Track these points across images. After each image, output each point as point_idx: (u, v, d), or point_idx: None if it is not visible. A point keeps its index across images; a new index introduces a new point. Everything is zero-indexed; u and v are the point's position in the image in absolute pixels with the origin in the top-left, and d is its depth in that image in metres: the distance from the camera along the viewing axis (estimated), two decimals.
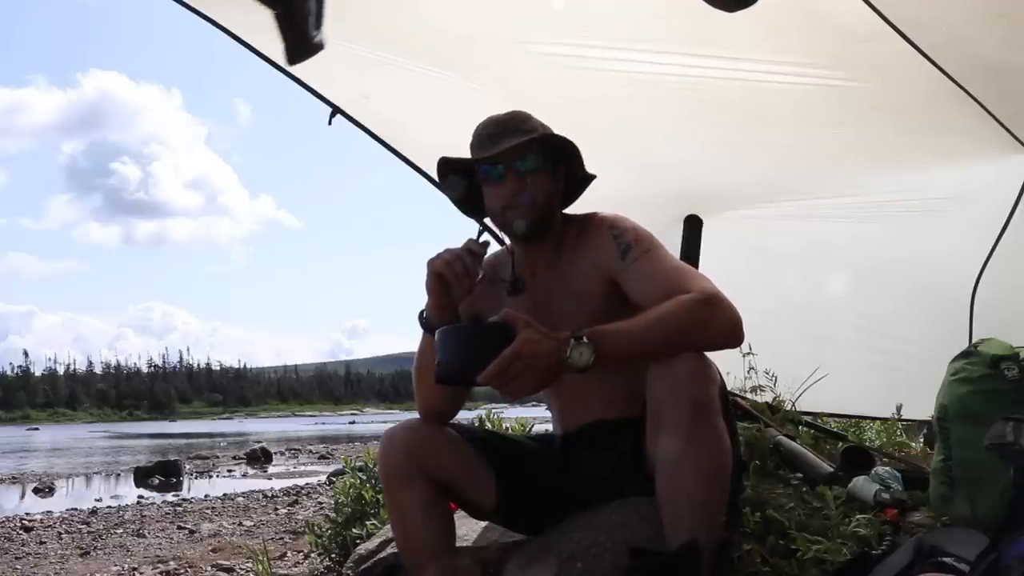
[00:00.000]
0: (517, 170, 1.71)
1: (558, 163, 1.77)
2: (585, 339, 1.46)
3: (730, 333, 1.57)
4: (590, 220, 1.81)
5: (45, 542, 5.56)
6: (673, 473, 1.51)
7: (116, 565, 4.47)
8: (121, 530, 6.06)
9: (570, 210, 1.87)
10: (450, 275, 1.65)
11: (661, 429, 1.53)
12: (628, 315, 1.55)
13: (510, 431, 2.92)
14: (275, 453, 16.23)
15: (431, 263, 1.67)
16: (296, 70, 2.85)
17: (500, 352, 1.43)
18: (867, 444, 2.85)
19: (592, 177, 1.82)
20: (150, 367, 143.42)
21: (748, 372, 2.98)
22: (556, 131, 1.78)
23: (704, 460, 1.50)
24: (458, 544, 1.86)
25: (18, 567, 4.62)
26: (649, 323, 1.51)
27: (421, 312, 1.74)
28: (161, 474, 11.65)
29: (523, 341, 1.44)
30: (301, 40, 1.81)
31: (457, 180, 1.80)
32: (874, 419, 3.41)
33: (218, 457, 15.92)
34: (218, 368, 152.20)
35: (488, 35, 2.56)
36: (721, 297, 1.57)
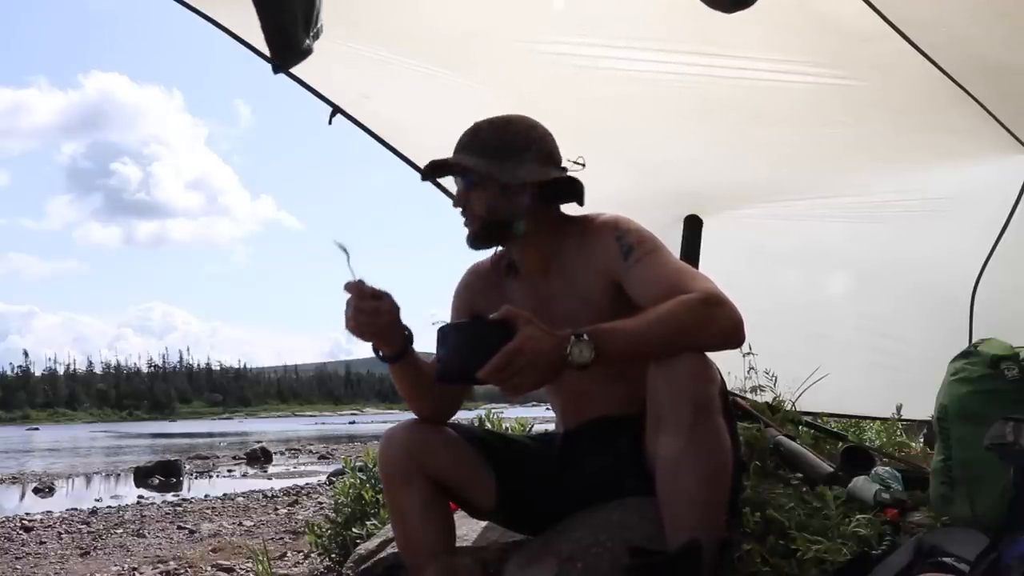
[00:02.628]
0: (462, 185, 1.78)
1: (507, 173, 1.74)
2: (585, 337, 1.46)
3: (730, 334, 1.57)
4: (593, 221, 1.81)
5: (45, 542, 5.56)
6: (673, 473, 1.51)
7: (116, 565, 4.46)
8: (121, 530, 6.05)
9: (574, 210, 1.87)
10: (367, 329, 1.66)
11: (661, 429, 1.53)
12: (632, 316, 1.55)
13: (510, 431, 2.92)
14: (275, 453, 16.23)
15: (349, 330, 1.66)
16: (296, 70, 2.84)
17: (501, 349, 1.44)
18: (867, 444, 2.84)
19: (574, 180, 1.79)
20: (150, 367, 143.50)
21: (748, 372, 2.98)
22: (555, 130, 1.78)
23: (704, 460, 1.50)
24: (458, 544, 1.86)
25: (18, 567, 4.61)
26: (650, 322, 1.51)
27: (375, 348, 1.72)
28: (161, 474, 11.65)
29: (524, 338, 1.45)
30: (287, 46, 1.79)
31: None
32: (874, 419, 3.40)
33: (218, 457, 15.91)
34: (218, 368, 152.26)
35: (489, 34, 2.57)
36: (723, 298, 1.57)
